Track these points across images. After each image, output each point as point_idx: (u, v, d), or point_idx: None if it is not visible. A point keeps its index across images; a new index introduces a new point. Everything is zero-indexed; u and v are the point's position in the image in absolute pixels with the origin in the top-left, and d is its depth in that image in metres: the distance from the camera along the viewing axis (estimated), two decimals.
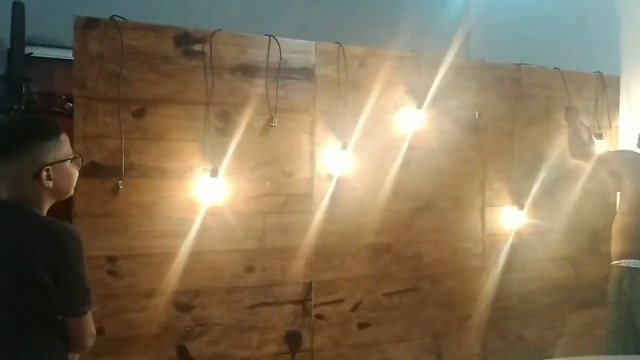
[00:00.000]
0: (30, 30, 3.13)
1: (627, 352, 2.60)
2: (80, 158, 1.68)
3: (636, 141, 2.83)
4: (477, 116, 2.91)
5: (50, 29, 3.40)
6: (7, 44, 2.85)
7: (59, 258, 1.44)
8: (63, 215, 2.04)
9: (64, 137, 1.58)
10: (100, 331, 2.14)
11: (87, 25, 2.15)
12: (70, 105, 2.23)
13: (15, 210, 1.47)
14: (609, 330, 2.72)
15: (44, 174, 1.50)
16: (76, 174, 1.62)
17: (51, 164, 1.51)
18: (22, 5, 2.84)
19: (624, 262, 2.65)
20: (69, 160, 1.58)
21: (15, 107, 2.68)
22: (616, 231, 2.74)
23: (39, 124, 1.57)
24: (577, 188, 3.13)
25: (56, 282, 1.43)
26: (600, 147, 3.04)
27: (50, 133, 1.54)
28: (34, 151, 1.49)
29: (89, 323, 1.56)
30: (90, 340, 1.58)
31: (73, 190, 1.64)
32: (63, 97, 2.64)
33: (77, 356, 1.68)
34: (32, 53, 3.25)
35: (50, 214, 1.57)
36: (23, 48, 2.98)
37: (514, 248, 3.00)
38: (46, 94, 3.22)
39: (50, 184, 1.51)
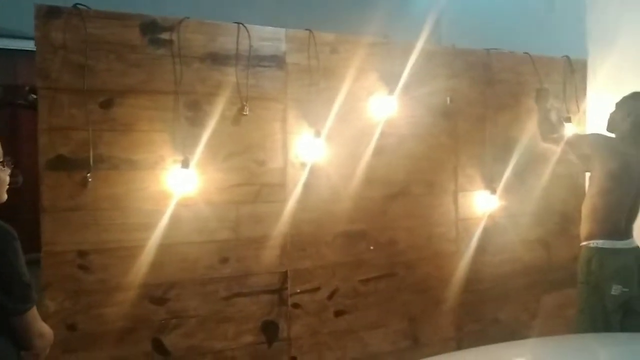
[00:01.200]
0: None
1: (596, 330, 2.65)
2: (11, 163, 1.63)
3: (606, 124, 2.87)
4: (448, 102, 2.93)
5: (13, 20, 3.31)
6: None
7: None
8: (31, 210, 2.00)
9: None
10: (72, 327, 2.12)
11: (48, 14, 2.09)
12: (35, 97, 2.17)
13: None
14: (579, 309, 2.77)
15: None
16: (6, 179, 1.59)
17: None
18: None
19: (593, 243, 2.70)
20: None
21: None
22: (586, 212, 2.79)
23: None
24: (547, 171, 3.18)
25: None
26: (569, 130, 3.08)
27: None
28: None
29: (34, 321, 1.53)
30: (38, 341, 1.55)
31: (5, 196, 1.60)
32: (27, 88, 2.56)
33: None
34: None
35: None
36: None
37: (486, 232, 3.04)
38: (10, 86, 3.14)
39: None
